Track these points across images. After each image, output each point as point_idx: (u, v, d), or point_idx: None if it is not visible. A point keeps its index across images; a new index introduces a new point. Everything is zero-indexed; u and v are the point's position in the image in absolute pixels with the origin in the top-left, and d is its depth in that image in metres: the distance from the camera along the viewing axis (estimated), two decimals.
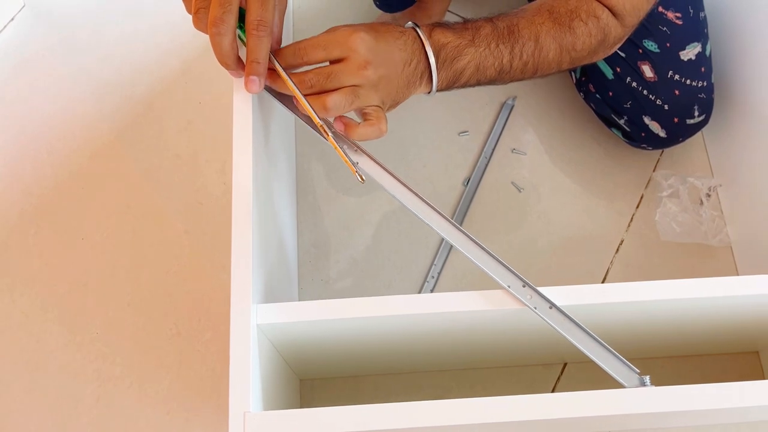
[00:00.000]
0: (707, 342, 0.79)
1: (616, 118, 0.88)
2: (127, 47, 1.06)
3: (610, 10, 0.66)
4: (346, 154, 0.58)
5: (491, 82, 0.64)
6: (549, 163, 0.97)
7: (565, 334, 0.54)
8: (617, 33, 0.67)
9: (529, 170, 0.96)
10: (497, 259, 0.56)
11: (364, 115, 0.58)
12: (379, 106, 0.58)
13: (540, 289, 0.55)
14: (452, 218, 0.93)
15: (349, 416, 0.50)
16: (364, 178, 0.57)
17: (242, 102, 0.58)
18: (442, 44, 0.60)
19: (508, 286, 0.55)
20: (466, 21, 0.63)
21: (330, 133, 0.57)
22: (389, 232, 0.93)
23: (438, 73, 0.60)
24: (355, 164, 0.59)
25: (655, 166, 0.96)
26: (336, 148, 0.57)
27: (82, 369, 0.86)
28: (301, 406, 0.83)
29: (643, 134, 0.86)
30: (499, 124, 0.99)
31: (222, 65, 0.56)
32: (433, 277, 0.90)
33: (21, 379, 0.86)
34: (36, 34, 1.07)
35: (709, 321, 0.67)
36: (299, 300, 0.88)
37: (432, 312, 0.54)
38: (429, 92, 0.62)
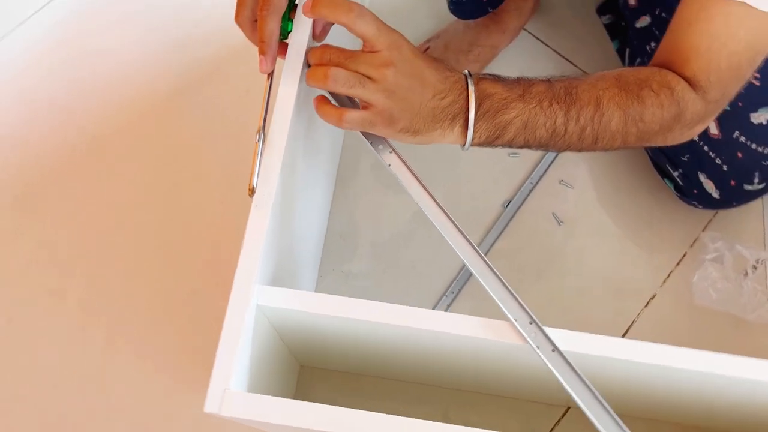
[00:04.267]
0: (721, 420, 0.75)
1: (671, 169, 0.85)
2: (199, 12, 1.07)
3: (688, 81, 0.61)
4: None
5: (543, 145, 0.59)
6: (595, 201, 0.94)
7: (562, 380, 0.52)
8: (696, 108, 0.61)
9: (573, 205, 0.94)
10: (508, 288, 0.54)
11: (362, 105, 0.56)
12: (380, 110, 0.54)
13: (547, 329, 0.53)
14: (484, 237, 0.91)
15: (330, 416, 0.49)
16: (254, 190, 0.54)
17: (288, 84, 0.58)
18: (488, 94, 0.56)
19: (515, 320, 0.53)
20: (519, 78, 0.59)
21: (260, 142, 0.55)
22: (419, 237, 0.92)
23: (476, 123, 0.56)
24: (387, 166, 0.59)
25: (706, 226, 0.92)
26: (255, 155, 0.55)
27: (94, 311, 0.88)
28: (296, 393, 0.83)
29: (695, 191, 0.83)
30: (552, 153, 0.97)
31: (258, 46, 0.57)
32: (452, 292, 0.88)
33: (29, 316, 0.88)
34: None
35: (729, 402, 0.63)
36: (316, 288, 0.88)
37: (431, 330, 0.53)
38: (463, 144, 0.58)
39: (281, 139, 0.56)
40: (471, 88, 0.56)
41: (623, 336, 0.87)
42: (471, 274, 0.88)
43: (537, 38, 1.03)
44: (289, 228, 0.65)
